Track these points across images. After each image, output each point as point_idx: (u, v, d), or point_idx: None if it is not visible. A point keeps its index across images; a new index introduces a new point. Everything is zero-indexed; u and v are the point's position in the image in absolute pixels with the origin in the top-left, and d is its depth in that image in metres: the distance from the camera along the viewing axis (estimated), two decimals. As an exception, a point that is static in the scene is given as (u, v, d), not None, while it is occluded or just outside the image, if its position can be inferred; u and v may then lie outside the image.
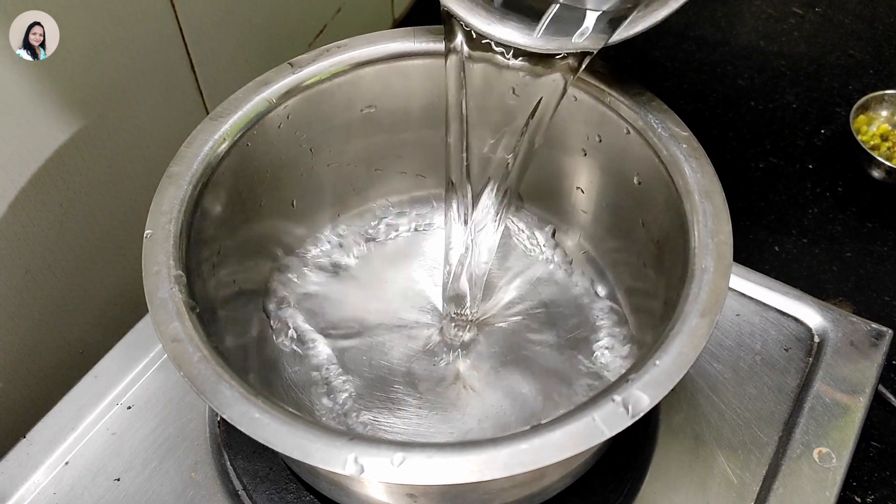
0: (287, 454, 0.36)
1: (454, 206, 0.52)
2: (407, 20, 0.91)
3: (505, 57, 0.46)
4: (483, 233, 0.52)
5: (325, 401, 0.52)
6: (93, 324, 0.63)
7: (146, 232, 0.43)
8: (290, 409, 0.37)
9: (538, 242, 0.60)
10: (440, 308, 0.57)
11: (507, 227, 0.58)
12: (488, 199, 0.51)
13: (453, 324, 0.55)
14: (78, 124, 0.54)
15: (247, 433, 0.36)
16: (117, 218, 0.61)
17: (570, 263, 0.59)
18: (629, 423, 0.36)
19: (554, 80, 0.46)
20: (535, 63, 0.46)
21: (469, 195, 0.52)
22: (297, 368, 0.54)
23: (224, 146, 0.48)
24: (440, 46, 0.52)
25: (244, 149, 0.49)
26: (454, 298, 0.54)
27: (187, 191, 0.45)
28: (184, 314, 0.40)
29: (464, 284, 0.53)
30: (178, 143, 0.48)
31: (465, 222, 0.52)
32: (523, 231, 0.60)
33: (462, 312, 0.54)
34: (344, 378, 0.53)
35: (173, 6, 0.58)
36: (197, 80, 0.64)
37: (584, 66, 0.46)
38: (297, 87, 0.51)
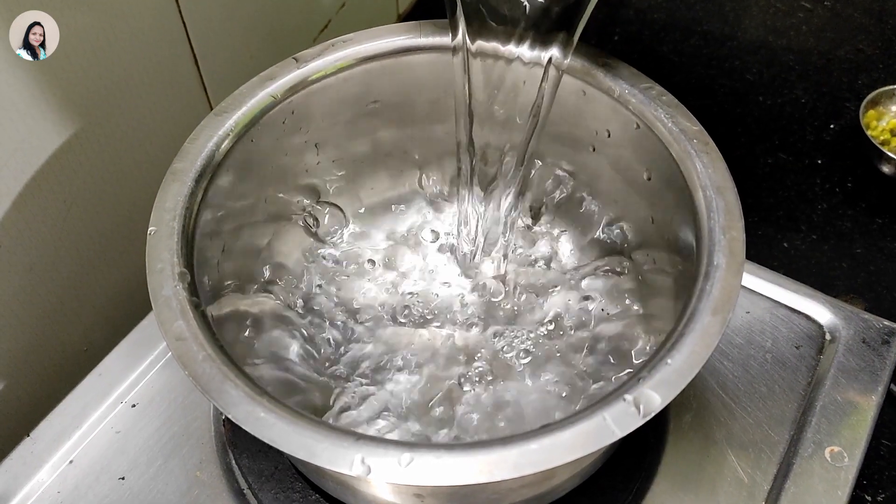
0: (293, 454, 0.35)
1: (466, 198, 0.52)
2: (412, 14, 0.91)
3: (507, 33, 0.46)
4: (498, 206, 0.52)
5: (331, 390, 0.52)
6: (97, 321, 0.63)
7: (150, 229, 0.43)
8: (297, 409, 0.37)
9: (546, 239, 0.59)
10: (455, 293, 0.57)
11: (514, 221, 0.58)
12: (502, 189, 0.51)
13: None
14: (80, 121, 0.54)
15: (252, 433, 0.36)
16: (121, 214, 0.61)
17: (578, 259, 0.58)
18: (640, 422, 0.35)
19: (555, 49, 0.46)
20: (534, 37, 0.46)
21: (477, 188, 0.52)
22: (302, 359, 0.53)
23: (228, 142, 0.47)
24: (446, 41, 0.51)
25: (248, 145, 0.49)
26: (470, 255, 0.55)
27: (191, 187, 0.45)
28: (188, 312, 0.40)
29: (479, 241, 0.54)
30: (182, 139, 0.47)
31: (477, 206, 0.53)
32: (531, 227, 0.60)
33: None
34: (349, 365, 0.53)
35: (177, 1, 0.58)
36: (201, 75, 0.64)
37: (584, 18, 0.45)
38: (302, 82, 0.51)
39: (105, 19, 0.53)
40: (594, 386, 0.51)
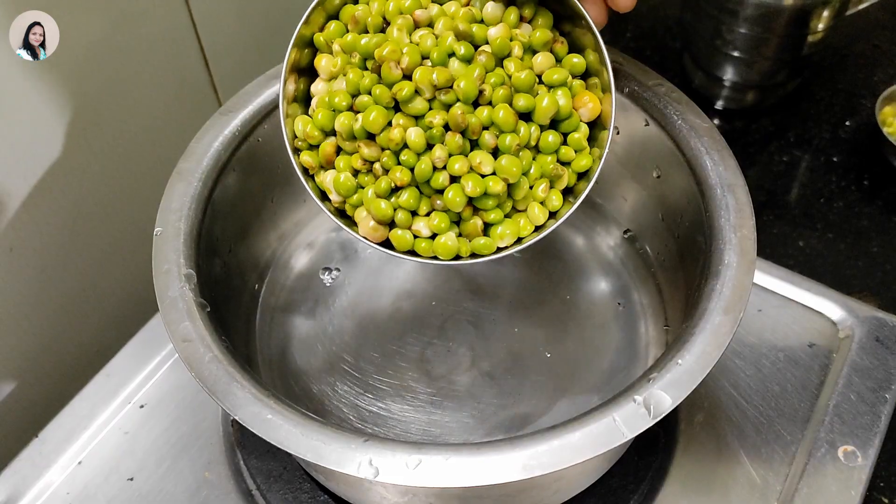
0: (300, 456, 0.35)
1: None
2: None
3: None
4: None
5: (336, 389, 0.51)
6: (109, 322, 0.63)
7: (156, 229, 0.43)
8: (303, 410, 0.37)
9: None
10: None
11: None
12: None
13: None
14: (88, 121, 0.54)
15: (259, 435, 0.36)
16: (131, 215, 0.61)
17: (587, 258, 0.57)
18: (650, 424, 0.35)
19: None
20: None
21: None
22: (308, 358, 0.53)
23: (234, 141, 0.47)
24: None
25: (255, 144, 0.49)
26: None
27: (197, 187, 0.45)
28: (195, 313, 0.40)
29: None
30: (191, 140, 0.47)
31: None
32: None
33: None
34: (355, 365, 0.52)
35: (186, 1, 0.58)
36: (211, 74, 0.63)
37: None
38: (310, 79, 0.50)
39: (106, 20, 0.53)
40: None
